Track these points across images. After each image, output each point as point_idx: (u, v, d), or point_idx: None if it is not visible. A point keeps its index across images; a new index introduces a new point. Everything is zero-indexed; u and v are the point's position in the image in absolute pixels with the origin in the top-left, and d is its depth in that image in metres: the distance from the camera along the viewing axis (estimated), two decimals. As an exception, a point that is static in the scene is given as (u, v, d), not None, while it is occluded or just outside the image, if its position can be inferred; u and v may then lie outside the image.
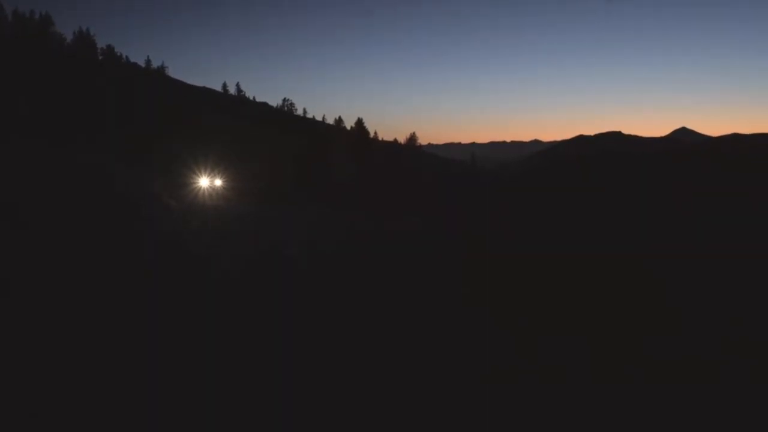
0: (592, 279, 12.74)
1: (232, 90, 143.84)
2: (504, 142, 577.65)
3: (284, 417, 8.22)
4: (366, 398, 8.04)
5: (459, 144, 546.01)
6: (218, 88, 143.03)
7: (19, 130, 29.30)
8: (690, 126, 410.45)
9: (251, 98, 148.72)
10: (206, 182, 41.00)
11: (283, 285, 12.20)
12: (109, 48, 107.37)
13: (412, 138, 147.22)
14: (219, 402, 7.83)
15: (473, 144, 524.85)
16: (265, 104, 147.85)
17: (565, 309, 12.26)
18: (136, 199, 16.91)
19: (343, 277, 13.08)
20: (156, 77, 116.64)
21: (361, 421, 7.56)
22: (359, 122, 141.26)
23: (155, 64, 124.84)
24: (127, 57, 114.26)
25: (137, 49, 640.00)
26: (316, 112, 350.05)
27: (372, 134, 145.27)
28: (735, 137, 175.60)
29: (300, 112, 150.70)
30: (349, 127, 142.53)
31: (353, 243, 20.14)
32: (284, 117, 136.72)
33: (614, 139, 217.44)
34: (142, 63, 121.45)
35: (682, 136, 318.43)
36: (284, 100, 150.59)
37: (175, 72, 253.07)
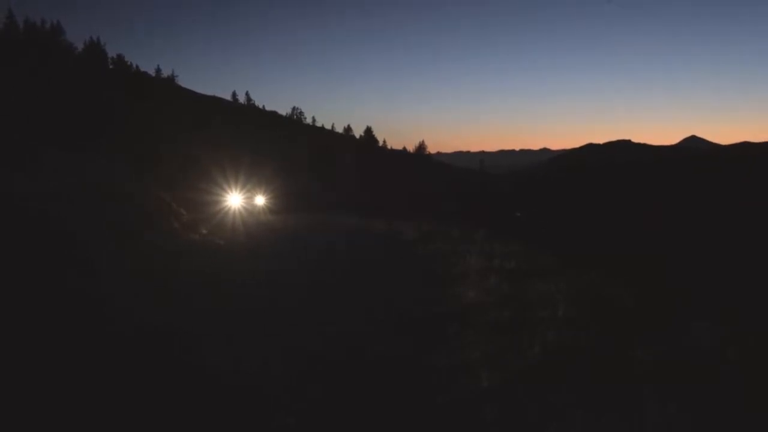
0: (595, 278, 12.62)
1: (241, 99, 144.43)
2: (513, 151, 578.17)
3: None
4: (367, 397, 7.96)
5: (468, 152, 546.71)
6: (228, 96, 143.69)
7: (29, 137, 29.56)
8: (700, 134, 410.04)
9: (261, 107, 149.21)
10: (238, 200, 31.32)
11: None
12: (120, 57, 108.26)
13: (421, 146, 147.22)
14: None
15: (482, 152, 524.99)
16: (274, 113, 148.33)
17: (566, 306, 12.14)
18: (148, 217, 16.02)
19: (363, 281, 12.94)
20: (166, 86, 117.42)
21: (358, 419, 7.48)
22: (368, 131, 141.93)
23: (165, 72, 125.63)
24: (137, 66, 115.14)
25: (147, 58, 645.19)
26: (325, 121, 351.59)
27: (381, 142, 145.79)
28: (745, 145, 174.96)
29: (309, 120, 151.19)
30: (358, 136, 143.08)
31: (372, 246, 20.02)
32: (294, 125, 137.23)
33: (624, 147, 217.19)
34: (152, 72, 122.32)
35: (693, 144, 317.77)
36: (293, 108, 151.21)
37: (185, 81, 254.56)
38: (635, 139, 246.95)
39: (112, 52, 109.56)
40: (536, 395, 5.34)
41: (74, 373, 5.96)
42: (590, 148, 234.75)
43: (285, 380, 6.16)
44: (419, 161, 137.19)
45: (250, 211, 33.23)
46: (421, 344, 7.46)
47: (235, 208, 29.47)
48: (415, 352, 7.13)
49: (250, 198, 35.80)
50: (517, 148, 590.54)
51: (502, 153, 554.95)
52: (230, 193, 31.64)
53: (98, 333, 7.38)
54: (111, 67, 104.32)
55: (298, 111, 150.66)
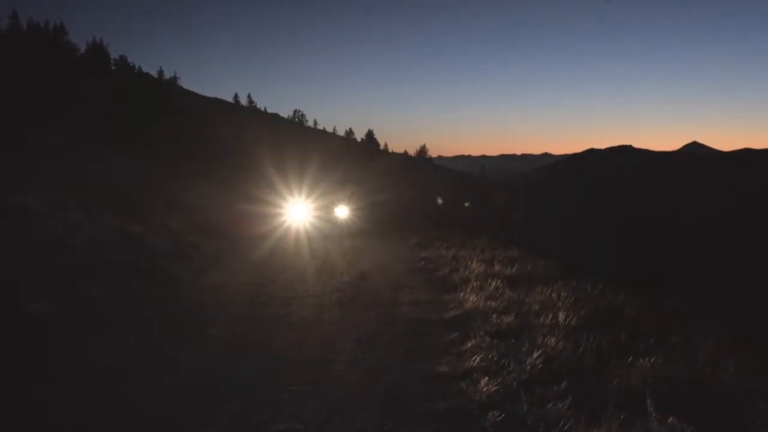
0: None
1: (243, 101, 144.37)
2: (514, 155, 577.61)
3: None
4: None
5: (469, 156, 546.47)
6: (230, 98, 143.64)
7: (32, 138, 29.63)
8: (701, 140, 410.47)
9: (262, 109, 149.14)
10: (304, 211, 23.45)
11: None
12: (122, 58, 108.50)
13: (423, 150, 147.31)
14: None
15: (483, 157, 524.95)
16: (276, 115, 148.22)
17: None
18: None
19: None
20: (169, 88, 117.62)
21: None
22: (370, 134, 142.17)
23: (168, 74, 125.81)
24: (140, 67, 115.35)
25: (150, 60, 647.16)
26: (326, 124, 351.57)
27: (382, 146, 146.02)
28: (746, 152, 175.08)
29: (311, 123, 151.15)
30: (359, 139, 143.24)
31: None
32: (296, 128, 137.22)
33: (625, 152, 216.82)
34: (154, 73, 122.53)
35: (694, 150, 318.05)
36: (295, 111, 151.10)
37: (187, 83, 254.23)
38: (637, 145, 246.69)
39: (114, 53, 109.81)
40: (537, 402, 5.30)
41: (74, 372, 5.96)
42: (592, 153, 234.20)
43: (281, 377, 6.12)
44: (421, 165, 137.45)
45: (327, 232, 23.28)
46: (421, 350, 7.43)
47: (298, 223, 22.22)
48: (414, 358, 7.10)
49: (326, 208, 25.30)
50: (519, 153, 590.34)
51: (504, 157, 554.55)
52: (291, 200, 23.59)
53: (98, 331, 7.40)
54: (113, 68, 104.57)
55: (300, 113, 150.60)
